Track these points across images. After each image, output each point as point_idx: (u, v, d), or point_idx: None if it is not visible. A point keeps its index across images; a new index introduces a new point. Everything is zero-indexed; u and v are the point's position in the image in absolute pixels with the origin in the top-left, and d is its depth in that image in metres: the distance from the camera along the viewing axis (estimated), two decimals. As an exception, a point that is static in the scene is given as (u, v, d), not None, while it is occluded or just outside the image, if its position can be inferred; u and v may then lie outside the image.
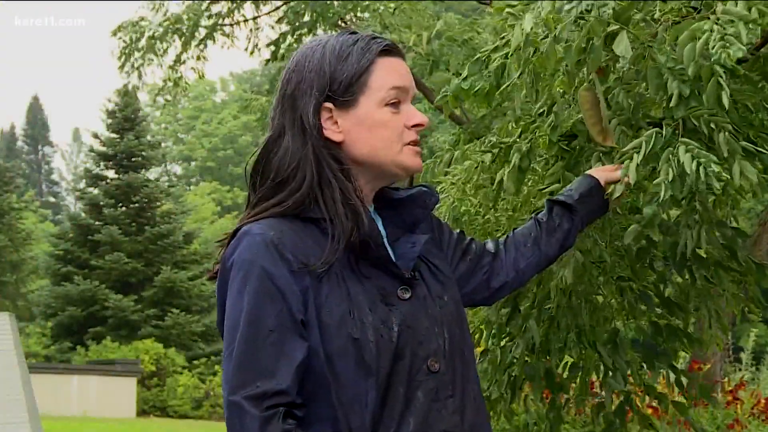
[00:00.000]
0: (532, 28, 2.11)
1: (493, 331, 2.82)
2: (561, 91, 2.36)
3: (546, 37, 2.12)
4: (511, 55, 2.19)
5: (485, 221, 2.75)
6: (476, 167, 2.60)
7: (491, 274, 1.84)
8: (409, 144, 1.60)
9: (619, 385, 2.71)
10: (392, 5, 7.15)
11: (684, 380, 2.84)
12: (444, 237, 1.77)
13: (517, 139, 2.49)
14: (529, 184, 2.62)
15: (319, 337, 1.49)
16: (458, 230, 1.85)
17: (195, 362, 20.16)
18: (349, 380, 1.48)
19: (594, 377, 2.90)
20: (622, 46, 2.01)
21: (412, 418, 1.50)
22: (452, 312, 1.62)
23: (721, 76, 1.83)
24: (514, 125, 2.55)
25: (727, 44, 1.81)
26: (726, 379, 7.23)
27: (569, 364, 2.85)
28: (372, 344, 1.49)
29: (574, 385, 2.94)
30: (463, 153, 2.73)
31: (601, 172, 2.02)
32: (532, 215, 1.97)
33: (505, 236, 1.93)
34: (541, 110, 2.47)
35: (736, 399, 6.14)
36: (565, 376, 2.87)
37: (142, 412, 18.24)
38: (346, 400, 1.47)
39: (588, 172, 2.04)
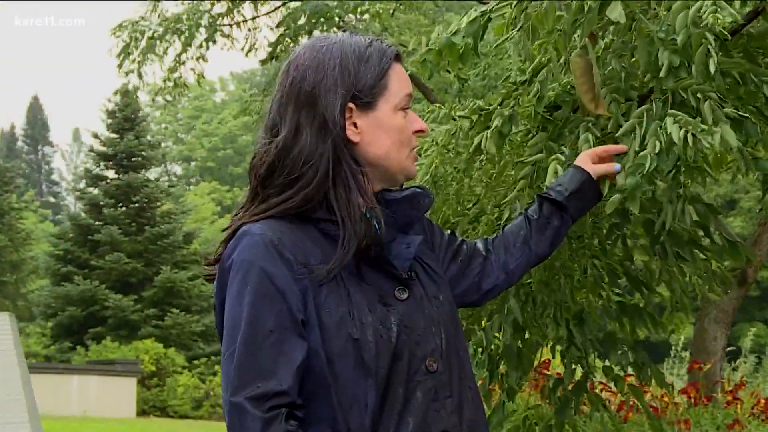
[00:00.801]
0: None
1: (470, 312, 2.79)
2: (555, 51, 2.30)
3: None
4: (515, 5, 2.17)
5: (459, 188, 2.72)
6: (454, 132, 2.58)
7: (482, 276, 1.83)
8: (412, 149, 1.63)
9: (579, 356, 2.69)
10: (392, 5, 7.16)
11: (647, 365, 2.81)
12: (435, 238, 1.78)
13: (498, 107, 2.46)
14: (505, 154, 2.58)
15: (319, 337, 1.49)
16: (449, 231, 1.84)
17: (195, 362, 20.15)
18: (348, 381, 1.48)
19: (548, 355, 2.87)
20: (617, 11, 2.00)
21: (411, 419, 1.50)
22: (447, 312, 1.62)
23: (710, 44, 1.83)
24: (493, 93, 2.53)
25: (719, 9, 1.80)
26: (726, 379, 7.23)
27: (527, 340, 2.82)
28: (372, 344, 1.49)
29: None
30: (448, 113, 2.69)
31: (594, 165, 1.97)
32: (523, 211, 1.95)
33: (495, 235, 1.92)
34: (524, 79, 2.44)
35: (736, 399, 6.14)
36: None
37: (142, 412, 18.24)
38: (345, 401, 1.48)
39: (578, 162, 1.98)
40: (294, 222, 1.55)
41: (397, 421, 1.49)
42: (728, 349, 7.95)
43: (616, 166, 1.98)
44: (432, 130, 2.67)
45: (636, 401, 2.96)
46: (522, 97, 2.44)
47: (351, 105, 1.57)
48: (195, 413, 18.54)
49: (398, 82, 1.61)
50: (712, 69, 1.83)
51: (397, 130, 1.60)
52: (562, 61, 2.28)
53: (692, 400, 6.01)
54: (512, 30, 2.25)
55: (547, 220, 1.91)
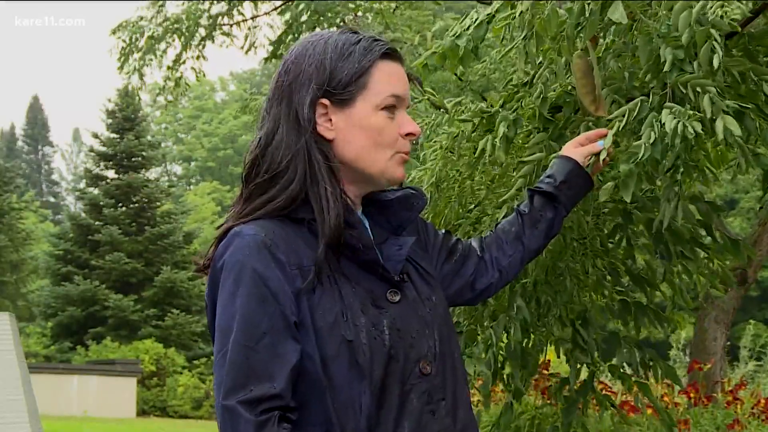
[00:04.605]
0: None
1: (472, 313, 2.78)
2: (561, 57, 2.31)
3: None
4: (519, 15, 2.17)
5: (461, 190, 2.71)
6: (456, 136, 2.57)
7: (476, 276, 1.81)
8: (401, 153, 1.59)
9: (585, 359, 2.68)
10: (393, 5, 7.17)
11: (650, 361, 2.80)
12: (429, 238, 1.75)
13: (500, 109, 2.45)
14: (507, 156, 2.58)
15: (313, 339, 1.47)
16: (444, 230, 1.82)
17: (195, 362, 20.17)
18: (342, 383, 1.46)
19: (553, 355, 2.85)
20: (618, 12, 2.00)
21: (406, 422, 1.48)
22: (441, 314, 1.60)
23: (716, 40, 1.82)
24: (496, 95, 2.53)
25: (725, 5, 1.80)
26: (726, 379, 7.22)
27: (532, 340, 2.80)
28: (365, 346, 1.47)
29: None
30: (451, 118, 2.68)
31: (578, 149, 1.96)
32: (515, 207, 1.94)
33: (488, 233, 1.90)
34: (525, 80, 2.44)
35: (736, 399, 6.14)
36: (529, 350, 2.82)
37: (142, 412, 18.24)
38: (339, 404, 1.46)
39: (564, 151, 1.97)
40: (286, 223, 1.53)
41: (393, 426, 1.47)
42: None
43: (599, 143, 1.97)
44: (437, 135, 2.67)
45: (646, 399, 2.93)
46: (524, 98, 2.43)
47: (325, 101, 1.55)
48: (195, 413, 18.54)
49: (382, 81, 1.56)
50: (715, 64, 1.83)
51: (374, 130, 1.56)
52: (563, 62, 2.29)
53: (692, 400, 6.01)
54: (516, 37, 2.25)
55: (539, 213, 1.89)
